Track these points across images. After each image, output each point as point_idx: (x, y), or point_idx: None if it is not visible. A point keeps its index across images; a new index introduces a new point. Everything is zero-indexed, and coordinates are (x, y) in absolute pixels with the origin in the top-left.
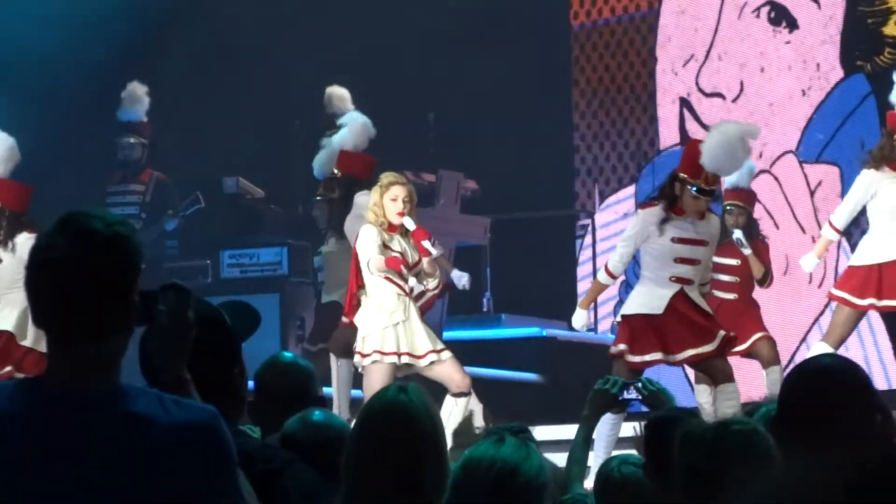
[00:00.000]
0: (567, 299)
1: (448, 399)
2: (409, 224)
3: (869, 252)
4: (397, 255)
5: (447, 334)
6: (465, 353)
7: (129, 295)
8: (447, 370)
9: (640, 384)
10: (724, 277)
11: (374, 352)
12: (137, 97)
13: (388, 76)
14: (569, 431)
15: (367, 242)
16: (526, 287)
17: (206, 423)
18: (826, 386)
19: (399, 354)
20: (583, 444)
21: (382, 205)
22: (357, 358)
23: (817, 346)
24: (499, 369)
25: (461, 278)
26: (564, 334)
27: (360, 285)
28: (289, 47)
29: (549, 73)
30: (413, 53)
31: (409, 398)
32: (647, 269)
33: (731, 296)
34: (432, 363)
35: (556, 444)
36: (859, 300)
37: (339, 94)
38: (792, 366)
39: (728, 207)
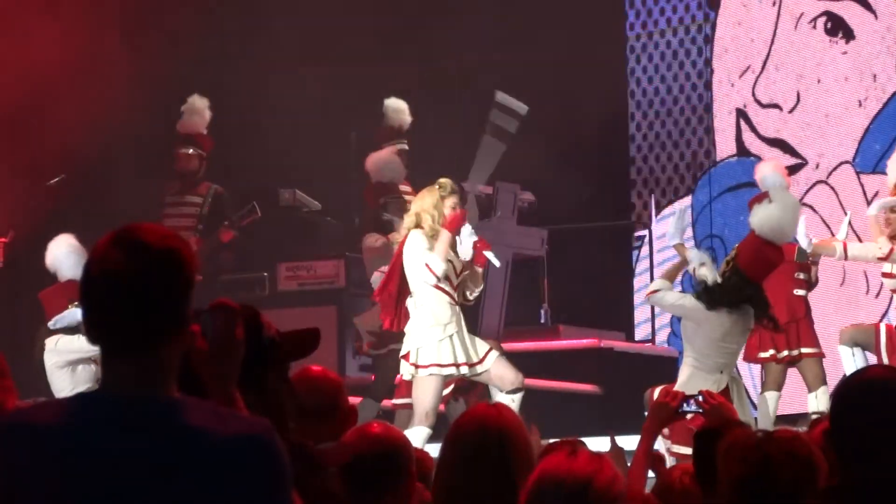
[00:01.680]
0: (624, 310)
1: (503, 397)
2: (472, 235)
3: None
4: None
5: (505, 346)
6: (522, 364)
7: (184, 306)
8: (500, 370)
9: (701, 397)
10: (803, 275)
11: (433, 364)
12: (197, 109)
13: (445, 87)
14: (626, 442)
15: (419, 248)
16: (583, 298)
17: (261, 436)
18: (877, 397)
19: (457, 366)
20: (643, 456)
21: (443, 211)
22: (408, 368)
23: None
24: (556, 381)
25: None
26: (622, 346)
27: (409, 294)
28: (346, 59)
29: (605, 84)
30: (468, 63)
31: (499, 412)
32: None
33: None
34: (487, 369)
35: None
36: None
37: (396, 105)
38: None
39: None
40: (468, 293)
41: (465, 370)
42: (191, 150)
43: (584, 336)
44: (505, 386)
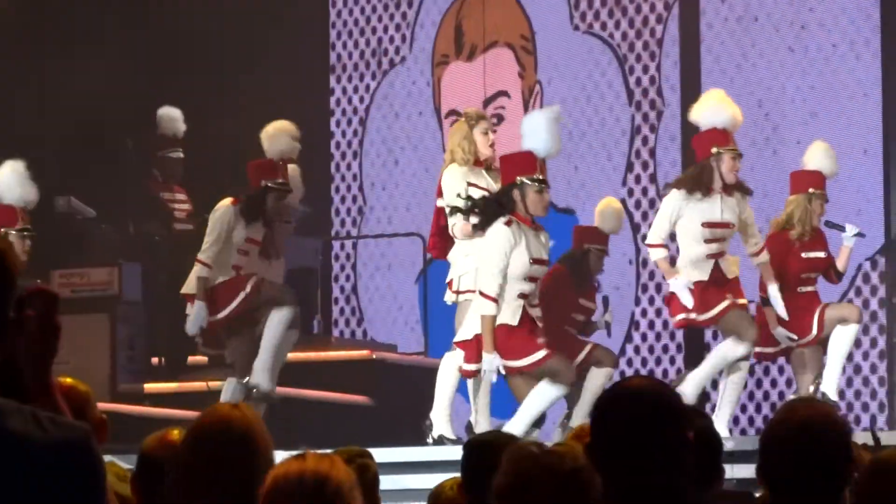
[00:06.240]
0: (397, 322)
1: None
2: None
3: None
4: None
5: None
6: (294, 374)
7: (6, 310)
8: None
9: None
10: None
11: (469, 290)
12: None
13: (220, 94)
14: (398, 454)
15: (455, 181)
16: (356, 309)
17: (81, 441)
18: (634, 407)
19: None
20: None
21: (473, 140)
22: (450, 295)
23: None
24: (328, 391)
25: None
26: (394, 357)
27: (445, 223)
28: (121, 68)
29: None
30: (242, 71)
31: (243, 413)
32: None
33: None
34: None
35: (387, 467)
36: None
37: (170, 114)
38: None
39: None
40: None
41: None
42: None
43: (356, 347)
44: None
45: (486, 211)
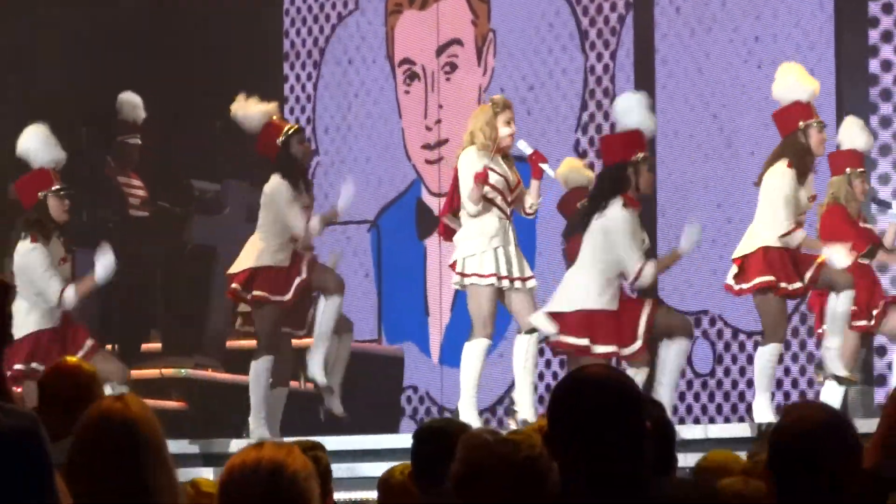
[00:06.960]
0: (362, 309)
1: (520, 338)
2: (526, 148)
3: None
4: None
5: (233, 343)
6: (249, 362)
7: None
8: (528, 302)
9: None
10: None
11: (473, 274)
12: None
13: (175, 83)
14: (353, 442)
15: (470, 165)
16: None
17: (29, 429)
18: (598, 399)
19: (499, 277)
20: None
21: (496, 126)
22: (456, 278)
23: None
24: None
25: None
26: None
27: (457, 207)
28: (75, 52)
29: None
30: (196, 59)
31: (126, 405)
32: None
33: None
34: (530, 288)
35: (342, 455)
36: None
37: (131, 100)
38: None
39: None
40: (528, 207)
41: (505, 283)
42: None
43: (310, 335)
44: (523, 325)
45: (599, 190)
